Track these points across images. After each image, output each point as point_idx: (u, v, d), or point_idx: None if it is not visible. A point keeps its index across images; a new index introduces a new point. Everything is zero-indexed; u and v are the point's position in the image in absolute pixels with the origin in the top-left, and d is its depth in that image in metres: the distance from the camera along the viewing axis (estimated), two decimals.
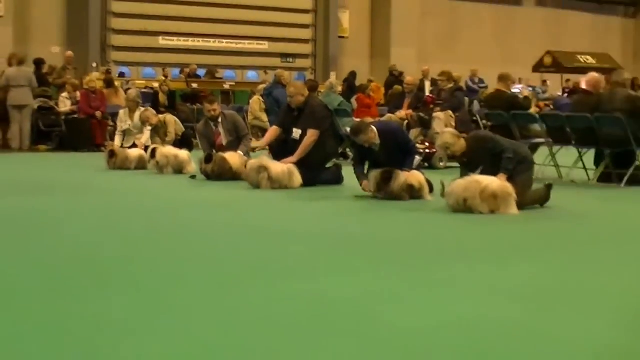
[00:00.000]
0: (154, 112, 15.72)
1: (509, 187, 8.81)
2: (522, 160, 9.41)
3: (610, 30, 39.38)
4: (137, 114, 15.14)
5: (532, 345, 4.17)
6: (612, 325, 4.55)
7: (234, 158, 12.34)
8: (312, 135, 11.52)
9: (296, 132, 11.65)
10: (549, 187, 9.74)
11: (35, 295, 5.08)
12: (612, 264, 6.44)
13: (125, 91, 20.20)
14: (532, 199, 9.48)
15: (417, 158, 10.70)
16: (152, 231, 7.77)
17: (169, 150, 13.60)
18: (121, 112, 15.72)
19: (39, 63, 20.96)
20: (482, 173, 9.17)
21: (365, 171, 10.42)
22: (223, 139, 13.03)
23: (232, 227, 8.12)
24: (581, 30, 37.83)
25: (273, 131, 12.23)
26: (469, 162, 9.57)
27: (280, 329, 4.38)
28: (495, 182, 8.82)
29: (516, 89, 21.86)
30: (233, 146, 12.85)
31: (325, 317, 4.64)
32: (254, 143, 13.60)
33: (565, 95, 27.08)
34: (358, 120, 13.57)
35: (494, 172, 9.11)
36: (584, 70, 21.10)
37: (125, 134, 15.21)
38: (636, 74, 29.62)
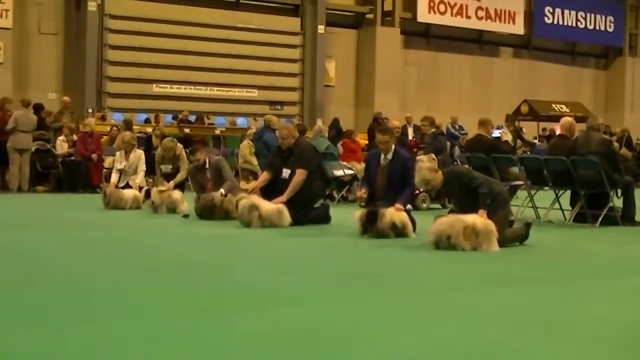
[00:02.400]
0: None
1: (491, 225, 8.83)
2: (496, 196, 9.39)
3: (582, 81, 39.73)
4: (132, 155, 15.13)
5: None
6: (591, 351, 4.56)
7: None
8: (300, 174, 11.56)
9: (285, 172, 11.69)
10: (527, 225, 9.78)
11: (22, 325, 5.05)
12: (590, 297, 6.47)
13: None
14: (511, 236, 9.50)
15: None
16: (146, 263, 7.75)
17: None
18: (117, 153, 15.74)
19: (38, 108, 20.94)
20: (458, 205, 9.30)
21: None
22: (210, 184, 13.06)
23: (224, 260, 8.14)
24: (555, 80, 38.16)
25: (265, 175, 12.20)
26: (446, 193, 9.64)
27: (273, 355, 4.36)
28: (478, 220, 8.85)
29: (496, 133, 21.98)
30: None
31: (317, 343, 4.63)
32: (245, 185, 13.63)
33: (537, 141, 27.35)
34: None
35: (469, 205, 9.17)
36: (558, 118, 21.26)
37: (121, 174, 15.16)
38: (607, 123, 29.83)
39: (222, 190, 12.45)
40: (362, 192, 10.77)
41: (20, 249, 8.70)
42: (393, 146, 10.92)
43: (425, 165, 9.73)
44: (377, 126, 24.32)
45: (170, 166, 14.76)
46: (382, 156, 10.82)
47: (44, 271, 7.26)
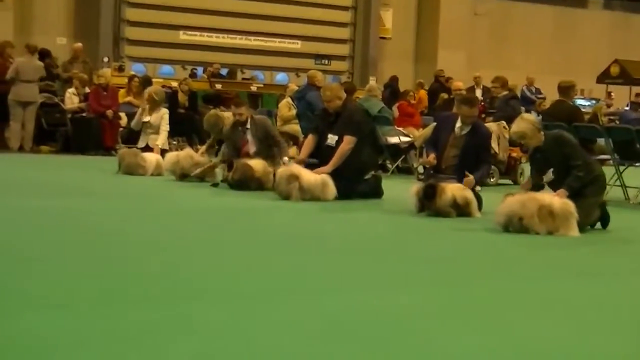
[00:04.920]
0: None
1: (570, 205, 8.77)
2: (594, 181, 9.37)
3: None
4: (154, 113, 15.14)
5: None
6: None
7: (258, 165, 12.35)
8: (348, 142, 11.52)
9: (331, 138, 11.65)
10: (602, 204, 9.67)
11: (13, 306, 5.16)
12: None
13: None
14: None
15: None
16: (174, 239, 7.84)
17: (189, 154, 13.66)
18: (140, 107, 15.81)
19: (43, 54, 20.74)
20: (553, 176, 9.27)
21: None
22: (250, 147, 12.88)
23: (259, 238, 8.16)
24: None
25: (309, 141, 12.12)
26: (539, 160, 9.52)
27: (315, 345, 4.42)
28: (555, 200, 8.80)
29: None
30: (262, 155, 12.70)
31: (364, 332, 4.67)
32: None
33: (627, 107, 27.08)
34: None
35: (562, 178, 9.12)
36: None
37: (141, 132, 15.24)
38: None
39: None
40: (431, 157, 10.62)
41: (21, 217, 8.83)
42: (475, 119, 10.87)
43: (531, 119, 9.83)
44: (441, 88, 24.31)
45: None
46: (459, 124, 10.74)
47: (49, 243, 7.38)
